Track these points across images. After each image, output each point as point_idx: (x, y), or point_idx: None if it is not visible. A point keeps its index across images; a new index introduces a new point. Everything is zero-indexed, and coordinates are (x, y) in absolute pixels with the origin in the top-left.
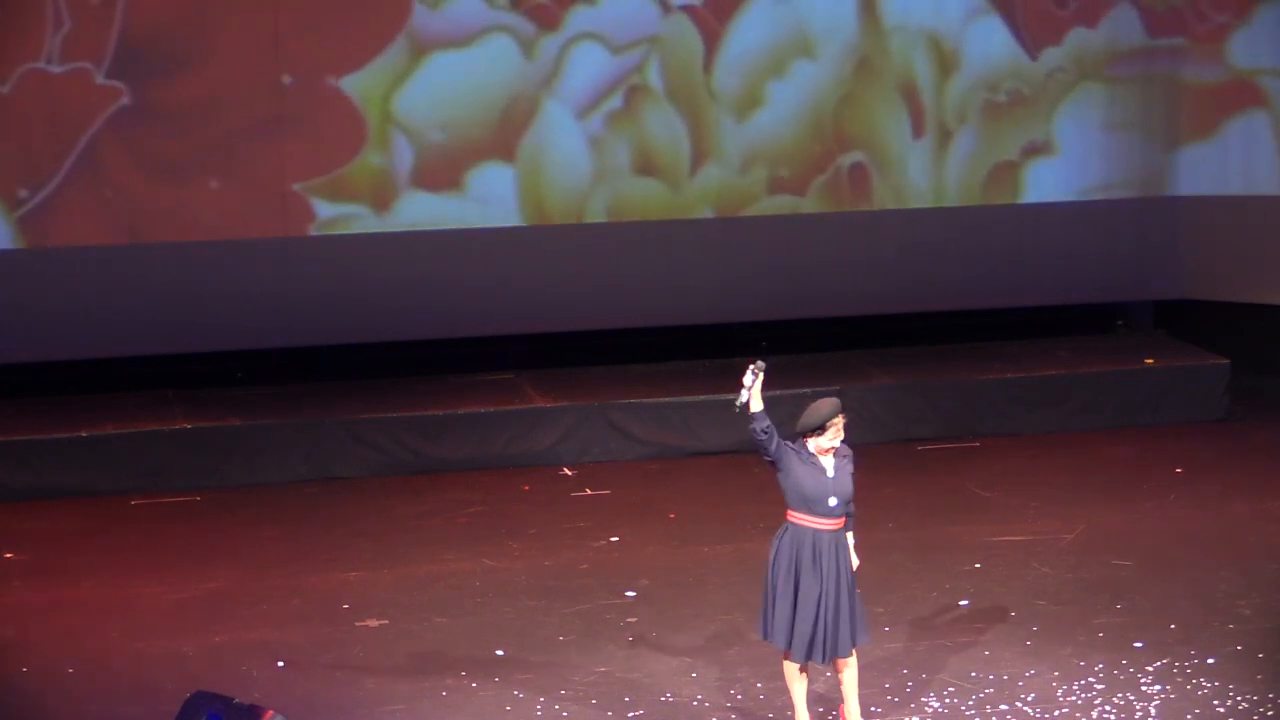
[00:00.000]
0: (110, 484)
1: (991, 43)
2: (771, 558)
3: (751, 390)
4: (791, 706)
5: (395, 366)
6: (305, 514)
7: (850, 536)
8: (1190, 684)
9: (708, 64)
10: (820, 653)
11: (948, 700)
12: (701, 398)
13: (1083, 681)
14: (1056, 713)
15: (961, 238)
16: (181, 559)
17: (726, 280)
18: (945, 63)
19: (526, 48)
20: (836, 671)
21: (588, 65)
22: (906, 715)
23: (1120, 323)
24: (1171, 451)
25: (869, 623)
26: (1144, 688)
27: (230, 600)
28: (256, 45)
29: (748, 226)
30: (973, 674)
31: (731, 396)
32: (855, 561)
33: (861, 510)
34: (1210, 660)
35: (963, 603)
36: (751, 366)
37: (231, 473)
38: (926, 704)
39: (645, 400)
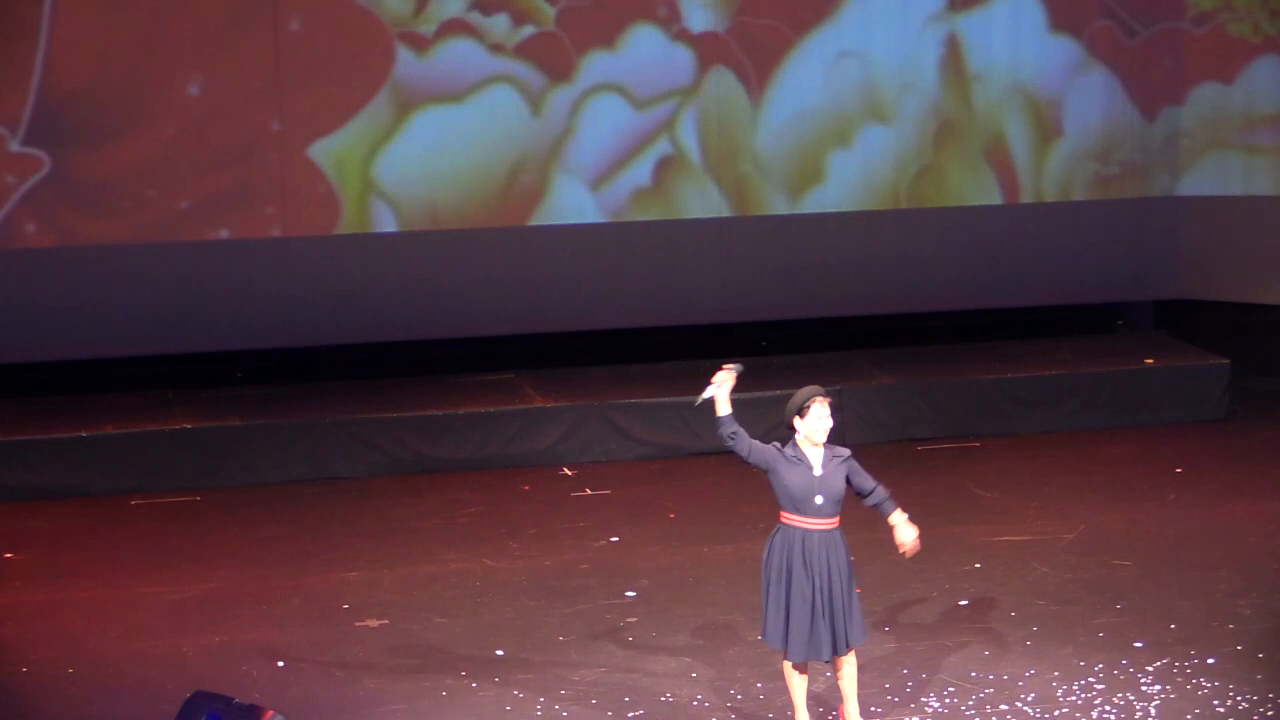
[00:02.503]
0: (110, 484)
1: (1099, 101)
2: (764, 560)
3: (720, 390)
4: (792, 706)
5: (395, 366)
6: (305, 514)
7: (897, 513)
8: (1190, 684)
9: (752, 126)
10: (817, 651)
11: (948, 700)
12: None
13: (1083, 681)
14: (1056, 713)
15: (961, 238)
16: (181, 559)
17: (726, 280)
18: (1044, 126)
19: (533, 102)
20: (835, 671)
21: (606, 123)
22: (906, 715)
23: (1120, 323)
24: (1171, 451)
25: (866, 623)
26: (1144, 688)
27: (230, 600)
28: (204, 105)
29: (748, 226)
30: (973, 674)
31: (732, 396)
32: (912, 533)
33: (862, 510)
34: (1210, 660)
35: (963, 603)
36: (727, 367)
37: (231, 473)
38: (926, 704)
39: (645, 400)
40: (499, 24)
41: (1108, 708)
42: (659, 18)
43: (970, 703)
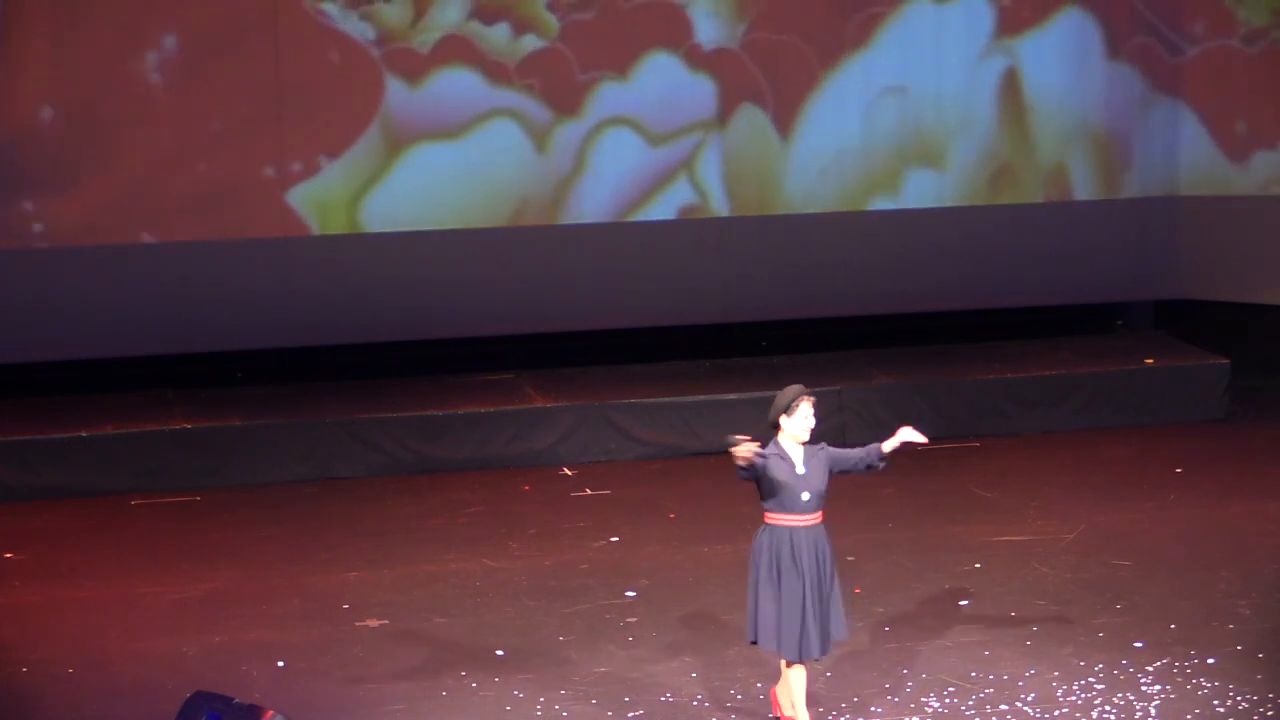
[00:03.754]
0: (110, 484)
1: (1177, 142)
2: (752, 561)
3: (749, 454)
4: (791, 705)
5: (395, 366)
6: (305, 514)
7: (889, 443)
8: (1190, 684)
9: (781, 166)
10: (810, 649)
11: (948, 700)
12: (701, 398)
13: (1083, 681)
14: (1056, 713)
15: (961, 238)
16: (181, 559)
17: (726, 280)
18: (1112, 169)
19: (538, 137)
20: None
21: (619, 160)
22: (906, 715)
23: (1120, 323)
24: (1171, 451)
25: (848, 620)
26: (1144, 688)
27: (230, 600)
28: (172, 140)
29: (748, 226)
30: (973, 674)
31: (732, 396)
32: (903, 439)
33: (862, 510)
34: (1210, 660)
35: (963, 603)
36: (756, 450)
37: (231, 473)
38: (926, 704)
39: (645, 400)
40: (499, 36)
41: (1108, 708)
42: (670, 37)
43: (970, 703)
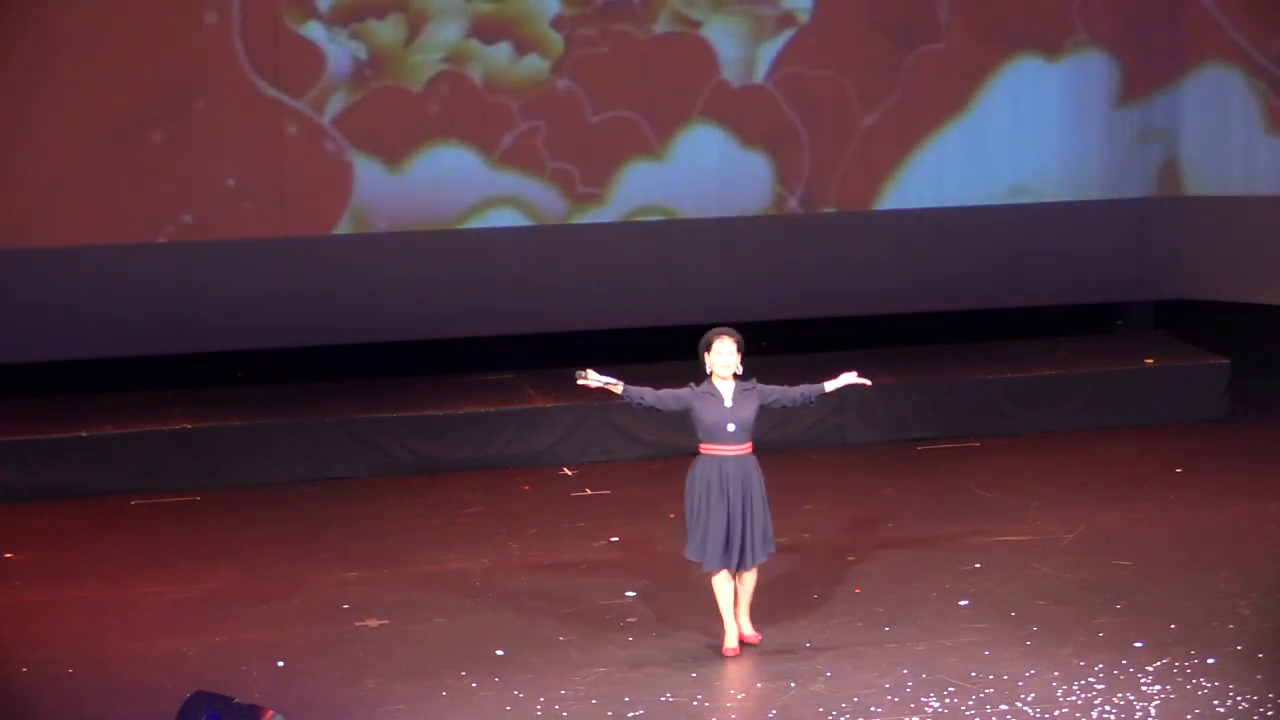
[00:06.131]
0: (110, 484)
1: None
2: (687, 488)
3: (599, 383)
4: (719, 617)
5: (395, 366)
6: (305, 514)
7: (829, 383)
8: (1190, 684)
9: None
10: (729, 562)
11: (948, 700)
12: None
13: (1083, 681)
14: (1056, 713)
15: (961, 238)
16: (181, 559)
17: (726, 280)
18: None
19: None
20: (738, 580)
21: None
22: (906, 715)
23: (1120, 323)
24: (1171, 451)
25: (773, 542)
26: (1144, 688)
27: (230, 600)
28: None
29: (748, 226)
30: (973, 674)
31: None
32: (846, 382)
33: (862, 510)
34: (1210, 660)
35: (963, 603)
36: (580, 380)
37: (231, 473)
38: (926, 704)
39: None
40: (501, 56)
41: (1108, 708)
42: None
43: (970, 703)
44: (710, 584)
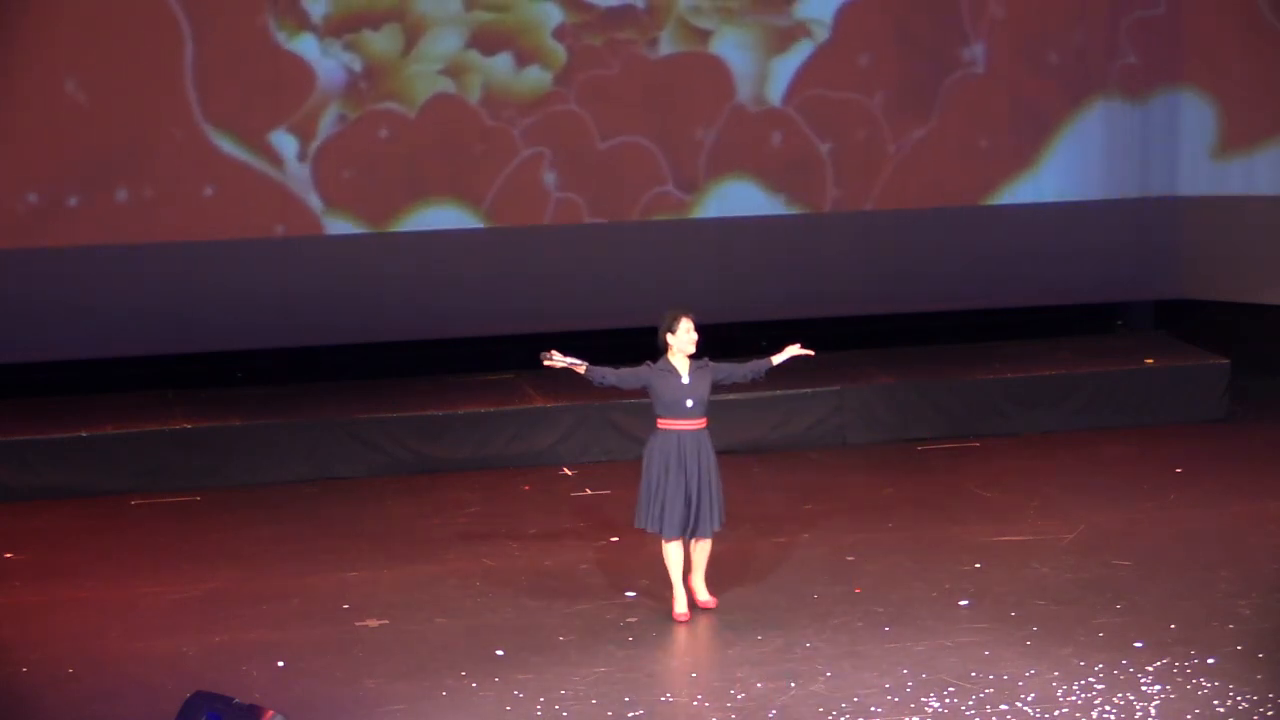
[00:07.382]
0: (110, 484)
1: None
2: (645, 462)
3: (564, 363)
4: (669, 584)
5: (395, 366)
6: (305, 514)
7: (779, 355)
8: (1190, 684)
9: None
10: (683, 530)
11: (948, 700)
12: None
13: (1083, 681)
14: (1056, 713)
15: (961, 238)
16: (181, 559)
17: (726, 280)
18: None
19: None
20: (693, 548)
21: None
22: (906, 715)
23: (1120, 323)
24: (1171, 451)
25: (724, 513)
26: (1144, 688)
27: (230, 600)
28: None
29: (748, 226)
30: (973, 674)
31: (732, 396)
32: (791, 354)
33: (862, 510)
34: (1210, 660)
35: (963, 603)
36: (545, 360)
37: (231, 473)
38: (926, 704)
39: (645, 400)
40: (502, 67)
41: (1108, 708)
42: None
43: (970, 703)
44: (661, 552)
